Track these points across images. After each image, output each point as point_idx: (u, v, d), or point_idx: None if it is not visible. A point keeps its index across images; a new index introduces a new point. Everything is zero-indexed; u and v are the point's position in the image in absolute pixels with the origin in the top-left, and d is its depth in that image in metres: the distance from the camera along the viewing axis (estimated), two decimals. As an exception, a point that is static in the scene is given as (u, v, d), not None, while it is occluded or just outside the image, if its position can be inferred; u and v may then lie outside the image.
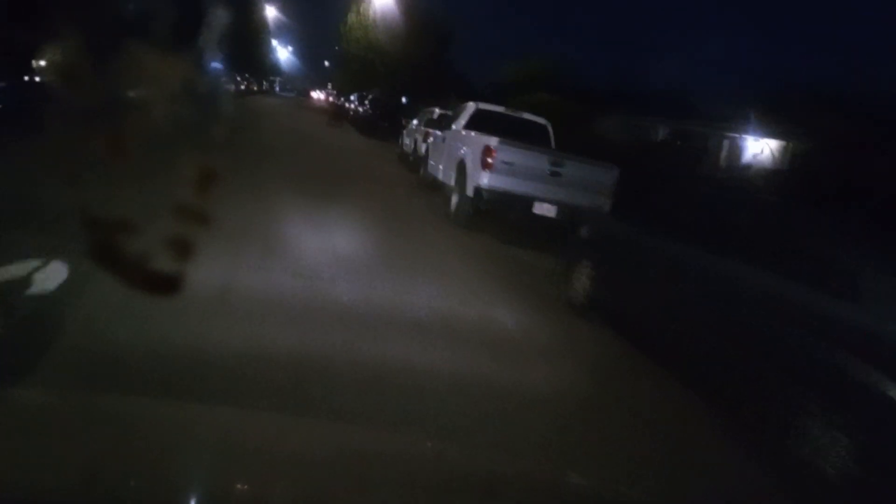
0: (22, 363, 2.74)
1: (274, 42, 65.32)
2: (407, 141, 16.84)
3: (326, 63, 65.62)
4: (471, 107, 10.57)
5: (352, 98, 34.51)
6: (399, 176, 14.35)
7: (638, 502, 1.83)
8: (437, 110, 14.71)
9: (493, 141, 8.10)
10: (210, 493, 1.14)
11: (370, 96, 30.08)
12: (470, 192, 8.42)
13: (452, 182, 9.36)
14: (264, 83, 59.98)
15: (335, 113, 32.46)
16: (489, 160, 8.01)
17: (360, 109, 29.77)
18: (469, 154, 8.73)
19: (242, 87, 40.68)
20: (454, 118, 10.88)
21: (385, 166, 15.98)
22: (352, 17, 39.85)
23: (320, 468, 1.31)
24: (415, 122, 16.55)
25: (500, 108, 10.68)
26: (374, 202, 9.89)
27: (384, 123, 27.13)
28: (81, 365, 2.89)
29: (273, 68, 68.24)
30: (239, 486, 1.19)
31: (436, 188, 11.17)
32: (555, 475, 1.76)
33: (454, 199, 9.10)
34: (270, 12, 51.66)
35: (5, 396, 1.39)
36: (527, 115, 10.70)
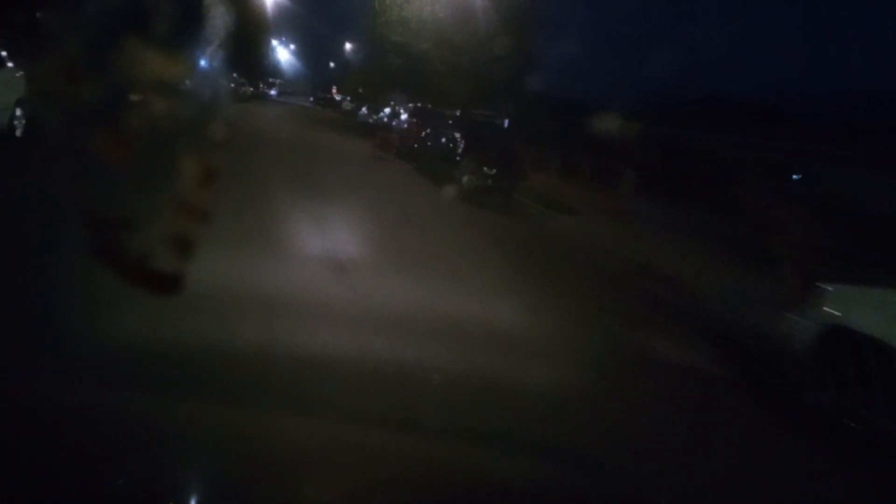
0: (23, 363, 2.60)
1: (274, 42, 51.97)
2: None
3: (332, 64, 53.08)
4: None
5: (403, 117, 21.04)
6: None
7: (641, 502, 1.68)
8: None
9: None
10: (211, 492, 1.12)
11: (454, 114, 16.75)
12: None
13: None
14: (261, 85, 46.84)
15: (389, 142, 18.74)
16: None
17: (430, 139, 16.38)
18: None
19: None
20: None
21: None
22: (393, -11, 26.39)
23: (321, 468, 1.29)
24: None
25: None
26: None
27: (490, 170, 13.92)
28: (85, 362, 2.70)
29: (271, 69, 54.66)
30: (239, 485, 1.16)
31: None
32: (556, 474, 1.71)
33: None
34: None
35: (6, 396, 1.35)
36: None
